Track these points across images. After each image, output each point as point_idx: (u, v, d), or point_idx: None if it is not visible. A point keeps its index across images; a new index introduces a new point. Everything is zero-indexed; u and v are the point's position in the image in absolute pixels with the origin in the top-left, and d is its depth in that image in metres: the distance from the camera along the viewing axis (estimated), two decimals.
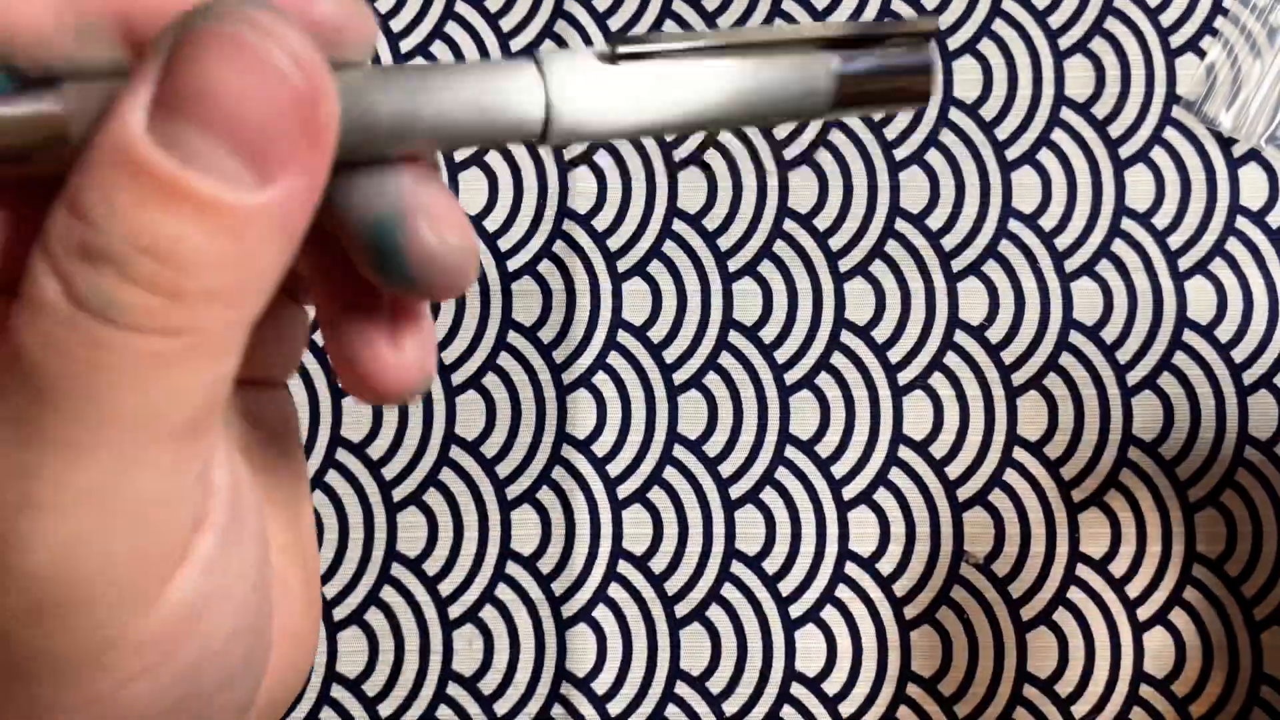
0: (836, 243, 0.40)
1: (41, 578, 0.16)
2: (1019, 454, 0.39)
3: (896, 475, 0.39)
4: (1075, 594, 0.39)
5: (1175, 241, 0.40)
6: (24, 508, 0.16)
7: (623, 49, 0.19)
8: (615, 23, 0.41)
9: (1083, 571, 0.39)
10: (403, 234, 0.18)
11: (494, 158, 0.41)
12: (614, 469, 0.39)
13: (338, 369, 0.21)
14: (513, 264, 0.40)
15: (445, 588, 0.39)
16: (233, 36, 0.16)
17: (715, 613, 0.39)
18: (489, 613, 0.39)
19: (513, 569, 0.39)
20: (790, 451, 0.40)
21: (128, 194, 0.15)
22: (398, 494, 0.40)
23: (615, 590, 0.39)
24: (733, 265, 0.40)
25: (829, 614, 0.39)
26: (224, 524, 0.18)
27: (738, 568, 0.39)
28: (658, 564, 0.39)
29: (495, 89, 0.18)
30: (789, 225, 0.40)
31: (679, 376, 0.40)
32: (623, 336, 0.40)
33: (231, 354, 0.17)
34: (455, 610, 0.39)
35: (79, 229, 0.16)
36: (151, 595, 0.17)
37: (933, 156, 0.41)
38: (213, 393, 0.17)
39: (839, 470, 0.39)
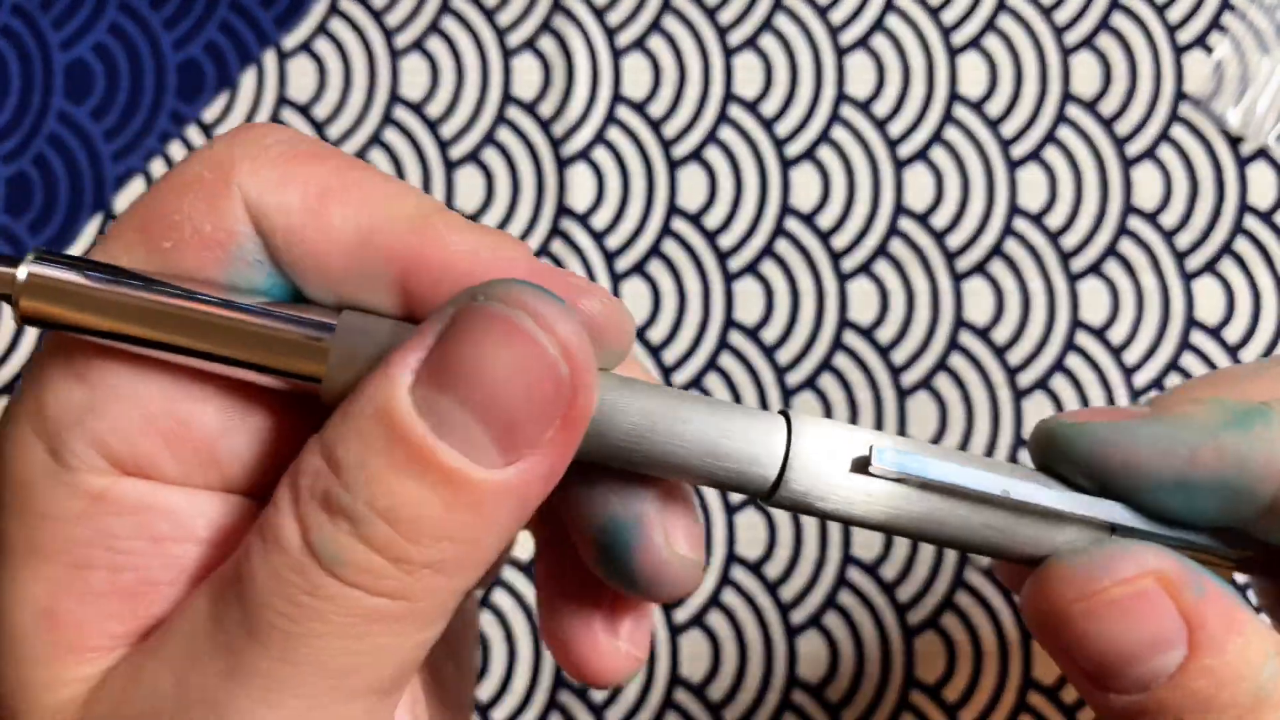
0: (839, 242, 0.40)
1: None
2: (1024, 456, 0.39)
3: None
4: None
5: (1182, 241, 0.39)
6: None
7: (878, 468, 0.18)
8: (614, 18, 0.41)
9: None
10: (636, 541, 0.19)
11: (491, 155, 0.41)
12: None
13: (549, 644, 0.21)
14: None
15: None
16: (508, 320, 0.16)
17: (716, 619, 0.38)
18: (486, 618, 0.39)
19: (510, 574, 0.39)
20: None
21: (380, 456, 0.16)
22: None
23: None
24: (734, 265, 0.40)
25: (831, 620, 0.38)
26: None
27: (738, 573, 0.39)
28: None
29: (737, 435, 0.18)
30: (791, 224, 0.40)
31: (680, 378, 0.39)
32: None
33: (441, 622, 0.17)
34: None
35: (327, 478, 0.16)
36: None
37: (937, 154, 0.40)
38: (416, 656, 0.17)
39: None
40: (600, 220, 0.40)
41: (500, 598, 0.39)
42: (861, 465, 0.19)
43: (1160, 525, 0.20)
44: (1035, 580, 0.20)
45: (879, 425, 0.39)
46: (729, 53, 0.41)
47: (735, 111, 0.40)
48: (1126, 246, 0.39)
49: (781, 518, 0.39)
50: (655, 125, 0.40)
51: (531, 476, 0.17)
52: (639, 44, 0.41)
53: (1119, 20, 0.40)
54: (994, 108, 0.40)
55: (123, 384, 0.18)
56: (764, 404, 0.39)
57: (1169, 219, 0.40)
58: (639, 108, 0.41)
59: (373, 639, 0.17)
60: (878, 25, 0.41)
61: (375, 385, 0.16)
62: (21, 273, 0.18)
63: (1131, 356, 0.39)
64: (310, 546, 0.16)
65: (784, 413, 0.19)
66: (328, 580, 0.16)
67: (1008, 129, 0.40)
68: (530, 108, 0.41)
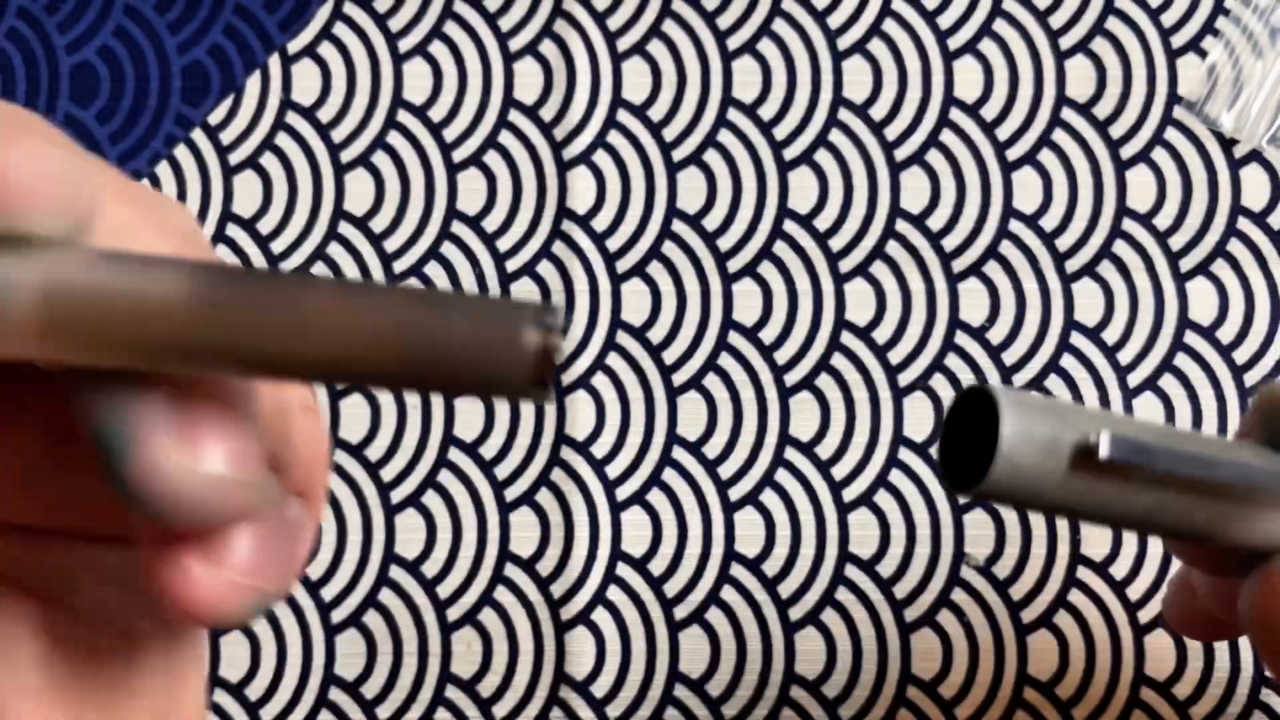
0: (837, 243, 0.40)
1: None
2: None
3: (897, 477, 0.39)
4: (1076, 596, 0.39)
5: (1177, 242, 0.40)
6: None
7: (1106, 459, 0.16)
8: (615, 23, 0.41)
9: (1084, 574, 0.39)
10: (128, 450, 0.14)
11: (493, 158, 0.41)
12: (613, 471, 0.39)
13: (143, 572, 0.16)
14: (511, 265, 0.40)
15: (443, 590, 0.39)
16: None
17: (715, 615, 0.39)
18: (487, 615, 0.39)
19: (511, 571, 0.39)
20: (790, 453, 0.39)
21: None
22: (396, 496, 0.39)
23: (614, 593, 0.39)
24: (733, 266, 0.40)
25: (829, 616, 0.39)
26: None
27: (737, 570, 0.39)
28: (657, 566, 0.39)
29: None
30: (789, 226, 0.40)
31: (678, 378, 0.40)
32: (622, 338, 0.40)
33: None
34: (454, 613, 0.39)
35: None
36: None
37: (933, 157, 0.40)
38: None
39: (839, 472, 0.39)
40: (601, 222, 0.40)
41: (501, 594, 0.39)
42: (1086, 456, 0.16)
43: None
44: (1268, 576, 0.17)
45: (876, 424, 0.39)
46: (728, 57, 0.41)
47: (734, 115, 0.41)
48: (1121, 248, 0.40)
49: (779, 514, 0.39)
50: (655, 128, 0.41)
51: None
52: (639, 48, 0.41)
53: (1113, 24, 0.41)
54: (989, 111, 0.41)
55: None
56: (763, 405, 0.40)
57: (1163, 220, 0.40)
58: (639, 111, 0.41)
59: None
60: (874, 29, 0.41)
61: None
62: None
63: (1125, 356, 0.39)
64: None
65: (986, 391, 0.16)
66: None
67: (1003, 132, 0.40)
68: (532, 111, 0.41)
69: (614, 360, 0.40)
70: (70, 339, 0.14)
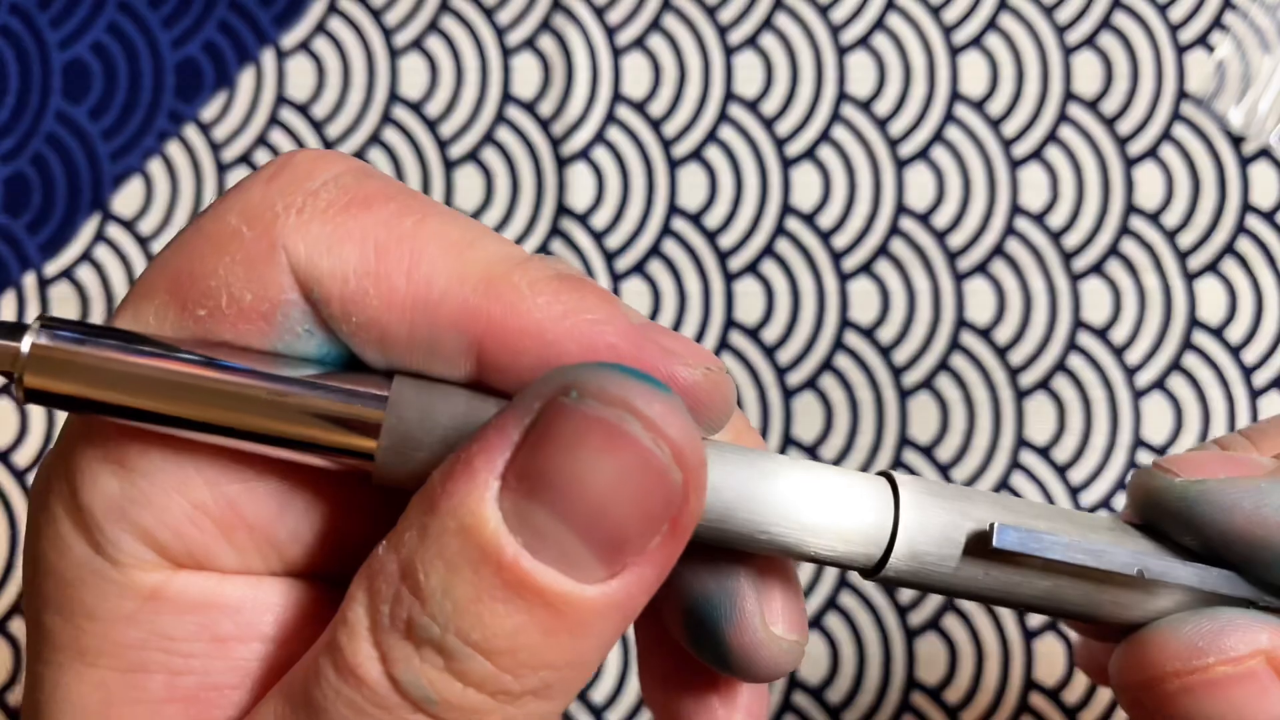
0: (840, 242, 0.40)
1: None
2: (1026, 457, 0.39)
3: None
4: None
5: (1185, 241, 0.39)
6: None
7: (999, 548, 0.17)
8: (614, 17, 0.41)
9: None
10: (728, 620, 0.17)
11: (490, 154, 0.40)
12: None
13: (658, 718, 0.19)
14: None
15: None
16: (609, 425, 0.14)
17: None
18: None
19: None
20: (793, 454, 0.39)
21: (469, 583, 0.14)
22: None
23: None
24: (734, 265, 0.40)
25: (833, 622, 0.38)
26: None
27: None
28: None
29: (836, 509, 0.17)
30: (792, 224, 0.40)
31: None
32: None
33: None
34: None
35: (410, 604, 0.14)
36: None
37: (938, 154, 0.40)
38: None
39: None
40: (600, 220, 0.40)
41: None
42: (980, 544, 0.17)
43: (1276, 596, 0.18)
44: (1131, 648, 0.18)
45: (880, 426, 0.39)
46: (729, 52, 0.41)
47: (735, 111, 0.40)
48: (1128, 246, 0.39)
49: None
50: (655, 124, 0.40)
51: (637, 588, 0.15)
52: (639, 43, 0.41)
53: (1121, 19, 0.40)
54: (995, 107, 0.40)
55: (165, 467, 0.16)
56: (766, 405, 0.39)
57: (1171, 218, 0.39)
58: (639, 107, 0.40)
59: None
60: (879, 24, 0.41)
61: (456, 495, 0.14)
62: (25, 345, 0.16)
63: (1134, 356, 0.39)
64: (396, 683, 0.14)
65: (889, 477, 0.18)
66: (411, 715, 0.14)
67: (1009, 128, 0.40)
68: (530, 107, 0.41)
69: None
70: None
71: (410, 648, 0.14)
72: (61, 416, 0.38)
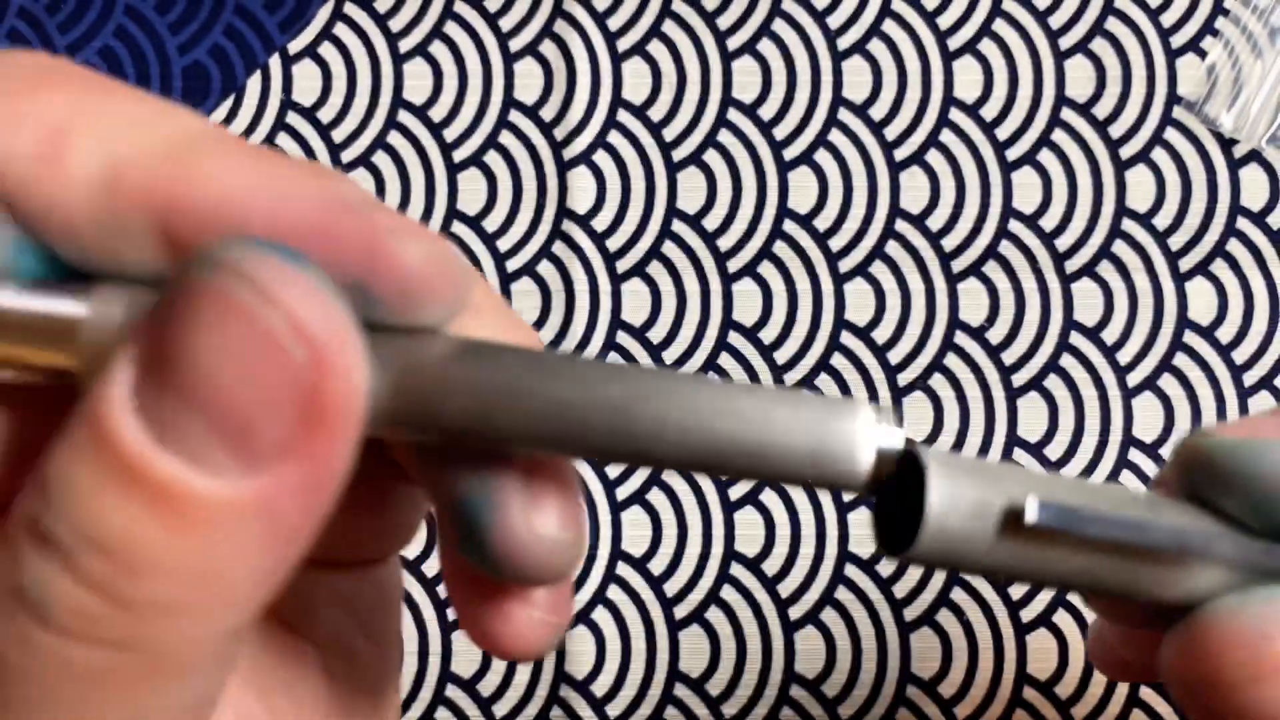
0: (836, 243, 0.40)
1: None
2: (1019, 456, 0.39)
3: None
4: (1075, 596, 0.39)
5: (1176, 242, 0.40)
6: None
7: (1033, 524, 0.16)
8: (615, 23, 0.41)
9: None
10: (490, 521, 0.16)
11: (493, 158, 0.41)
12: (613, 471, 0.39)
13: (463, 622, 0.18)
14: (511, 265, 0.40)
15: (444, 590, 0.39)
16: (222, 295, 0.13)
17: (714, 615, 0.39)
18: None
19: None
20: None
21: (87, 470, 0.13)
22: None
23: (614, 592, 0.39)
24: (732, 266, 0.40)
25: (828, 616, 0.39)
26: None
27: (737, 569, 0.39)
28: (656, 566, 0.39)
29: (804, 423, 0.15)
30: (789, 226, 0.40)
31: None
32: (622, 338, 0.40)
33: (204, 672, 0.14)
34: (454, 612, 0.39)
35: (35, 501, 0.13)
36: None
37: (933, 157, 0.40)
38: (183, 717, 0.14)
39: None
40: (601, 222, 0.41)
41: None
42: (1014, 520, 0.16)
43: None
44: (1187, 634, 0.17)
45: None
46: (728, 57, 0.41)
47: (734, 115, 0.41)
48: (1120, 248, 0.40)
49: (778, 513, 0.39)
50: (655, 128, 0.41)
51: (280, 489, 0.13)
52: (639, 48, 0.41)
53: (1113, 24, 0.41)
54: (989, 111, 0.41)
55: None
56: None
57: (1162, 220, 0.40)
58: (639, 111, 0.41)
59: (103, 707, 0.13)
60: (874, 30, 0.41)
61: (93, 388, 0.13)
62: None
63: (1125, 356, 0.39)
64: (16, 587, 0.13)
65: (915, 452, 0.16)
66: (34, 628, 0.13)
67: (1003, 132, 0.41)
68: (532, 111, 0.41)
69: (614, 360, 0.40)
70: (427, 422, 0.15)
71: (31, 545, 0.13)
72: None
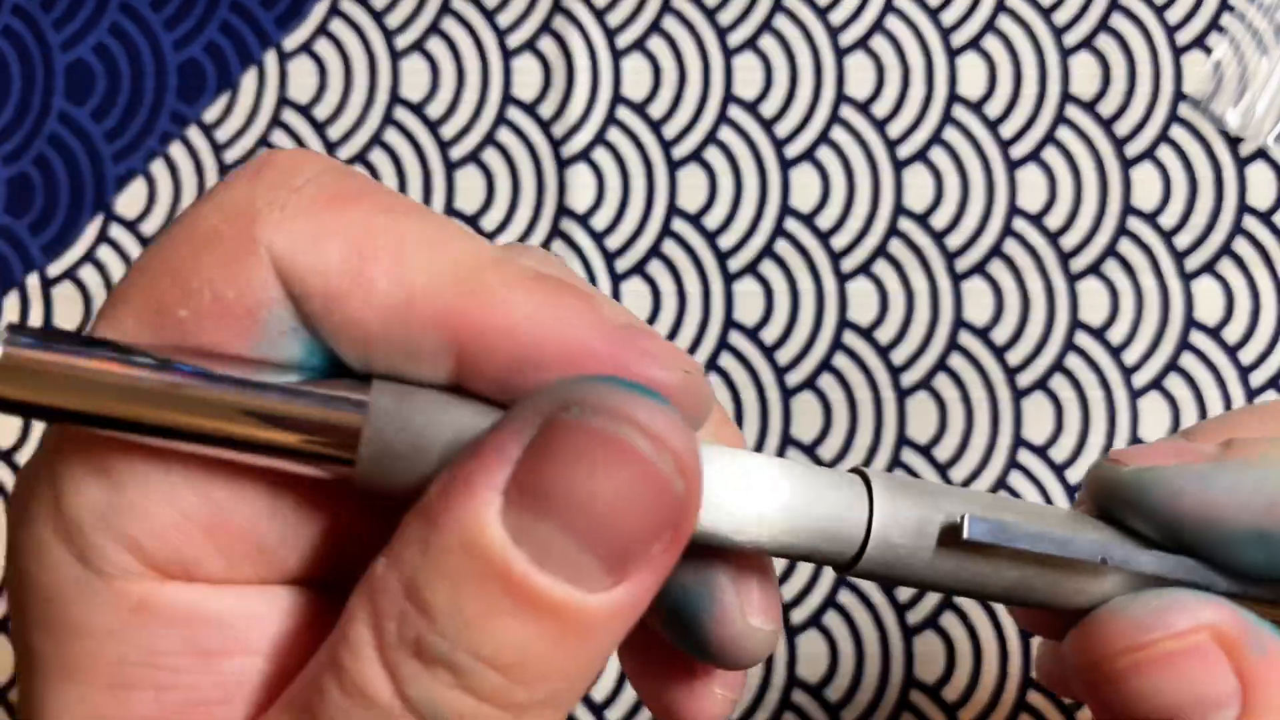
0: (839, 242, 0.40)
1: None
2: (1024, 457, 0.39)
3: None
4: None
5: (1182, 241, 0.39)
6: None
7: (969, 540, 0.18)
8: (614, 19, 0.41)
9: None
10: (708, 612, 0.18)
11: (491, 155, 0.41)
12: None
13: (648, 703, 0.20)
14: None
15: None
16: (616, 440, 0.15)
17: None
18: None
19: None
20: (792, 454, 0.39)
21: (478, 598, 0.14)
22: None
23: None
24: (734, 265, 0.40)
25: (831, 620, 0.38)
26: None
27: None
28: None
29: (814, 506, 0.17)
30: (791, 225, 0.40)
31: None
32: None
33: None
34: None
35: (417, 622, 0.15)
36: None
37: (937, 155, 0.40)
38: None
39: None
40: (600, 221, 0.40)
41: None
42: (951, 536, 0.18)
43: (1229, 578, 0.19)
44: (1082, 629, 0.19)
45: (878, 425, 0.39)
46: (729, 53, 0.41)
47: (735, 112, 0.41)
48: (1126, 247, 0.39)
49: None
50: (655, 126, 0.41)
51: (641, 593, 0.15)
52: (639, 45, 0.41)
53: (1118, 21, 0.41)
54: (993, 108, 0.40)
55: (150, 474, 0.16)
56: (765, 405, 0.39)
57: (1168, 219, 0.40)
58: (639, 108, 0.41)
59: None
60: (877, 26, 0.41)
61: (457, 511, 0.15)
62: None
63: (1131, 357, 0.39)
64: (407, 701, 0.15)
65: (862, 475, 0.18)
66: None
67: (1007, 130, 0.40)
68: (531, 108, 0.41)
69: None
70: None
71: (419, 665, 0.14)
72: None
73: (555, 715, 0.15)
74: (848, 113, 0.40)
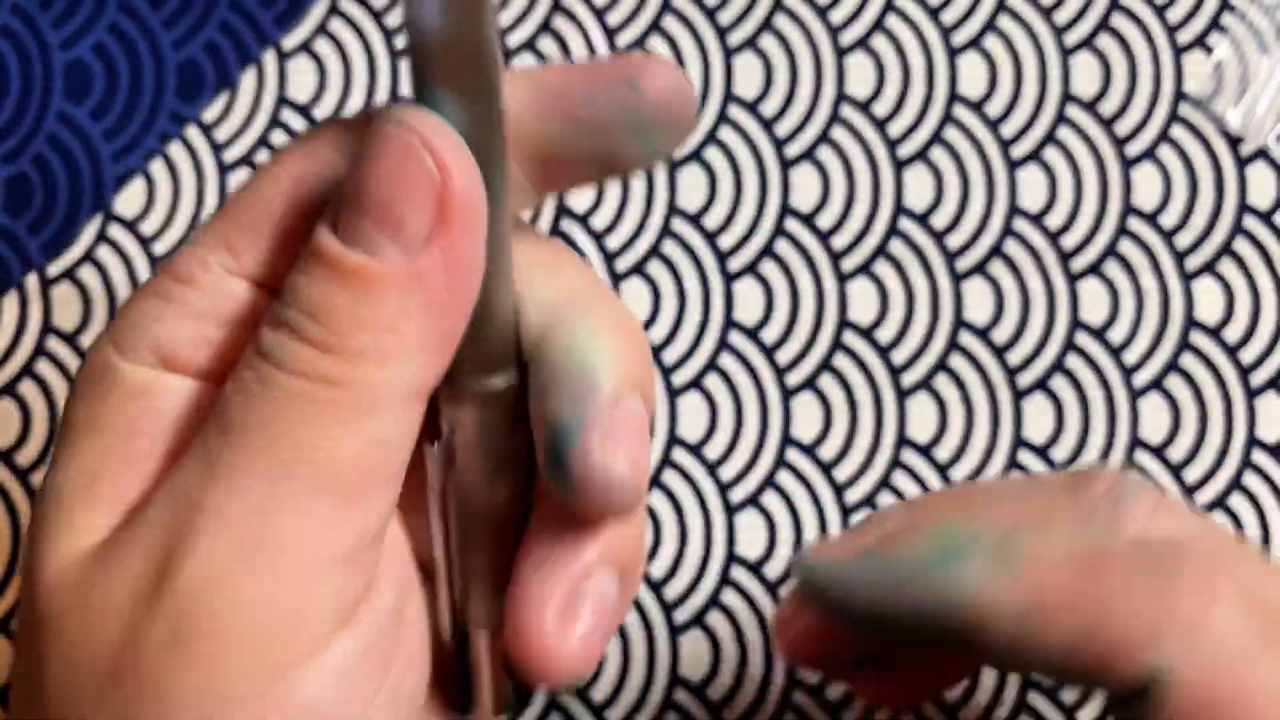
0: (839, 242, 0.40)
1: (183, 603, 0.18)
2: (1024, 457, 0.39)
3: (900, 479, 0.39)
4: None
5: (1182, 241, 0.39)
6: (186, 533, 0.19)
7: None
8: (613, 19, 0.41)
9: None
10: (574, 443, 0.20)
11: None
12: None
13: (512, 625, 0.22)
14: None
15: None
16: (394, 138, 0.19)
17: (715, 619, 0.38)
18: None
19: None
20: (792, 455, 0.39)
21: (307, 277, 0.19)
22: None
23: None
24: (733, 265, 0.40)
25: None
26: (370, 636, 0.20)
27: (738, 573, 0.39)
28: (656, 570, 0.39)
29: None
30: (791, 224, 0.40)
31: (678, 379, 0.39)
32: None
33: (384, 414, 0.19)
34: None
35: (275, 305, 0.20)
36: (288, 659, 0.19)
37: (937, 154, 0.40)
38: (367, 454, 0.19)
39: (841, 474, 0.39)
40: (600, 220, 0.40)
41: None
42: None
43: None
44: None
45: (879, 426, 0.39)
46: (729, 53, 0.41)
47: (735, 112, 0.41)
48: (1126, 247, 0.39)
49: (780, 516, 0.39)
50: None
51: (426, 265, 0.19)
52: (638, 45, 0.41)
53: (1119, 21, 0.40)
54: (994, 108, 0.40)
55: (202, 303, 0.21)
56: (765, 406, 0.39)
57: (1168, 219, 0.40)
58: None
59: (316, 424, 0.19)
60: (877, 25, 0.41)
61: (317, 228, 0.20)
62: None
63: (1131, 356, 0.39)
64: (261, 351, 0.19)
65: None
66: (273, 370, 0.19)
67: (1007, 129, 0.40)
68: None
69: None
70: None
71: (271, 329, 0.20)
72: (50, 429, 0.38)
73: (375, 371, 0.19)
74: (848, 112, 0.40)
